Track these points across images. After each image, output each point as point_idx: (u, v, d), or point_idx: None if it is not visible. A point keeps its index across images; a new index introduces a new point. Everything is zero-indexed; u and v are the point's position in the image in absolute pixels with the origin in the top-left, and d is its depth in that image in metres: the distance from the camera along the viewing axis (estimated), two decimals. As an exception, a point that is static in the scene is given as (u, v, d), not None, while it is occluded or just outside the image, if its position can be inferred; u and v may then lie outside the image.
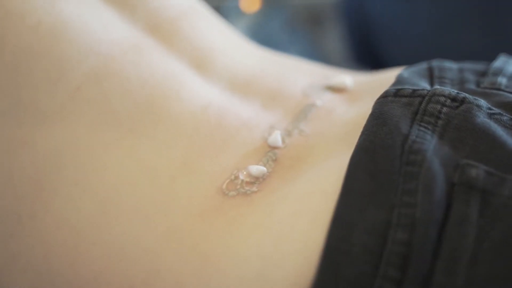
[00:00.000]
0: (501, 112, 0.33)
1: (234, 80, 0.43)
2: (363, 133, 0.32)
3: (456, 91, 0.33)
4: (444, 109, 0.32)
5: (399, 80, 0.38)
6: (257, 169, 0.34)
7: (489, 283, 0.25)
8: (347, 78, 0.45)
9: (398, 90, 0.35)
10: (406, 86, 0.35)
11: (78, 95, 0.34)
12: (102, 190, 0.32)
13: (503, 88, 0.37)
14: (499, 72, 0.39)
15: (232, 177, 0.34)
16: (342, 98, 0.43)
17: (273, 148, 0.37)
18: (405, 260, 0.26)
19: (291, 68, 0.46)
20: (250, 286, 0.29)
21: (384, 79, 0.44)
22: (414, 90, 0.34)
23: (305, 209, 0.30)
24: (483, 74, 0.40)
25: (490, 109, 0.33)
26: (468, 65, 0.42)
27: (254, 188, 0.34)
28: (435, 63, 0.42)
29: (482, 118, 0.32)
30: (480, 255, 0.26)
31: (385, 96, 0.35)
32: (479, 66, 0.41)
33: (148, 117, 0.35)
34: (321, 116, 0.41)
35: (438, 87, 0.34)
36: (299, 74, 0.46)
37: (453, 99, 0.33)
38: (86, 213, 0.32)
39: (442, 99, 0.33)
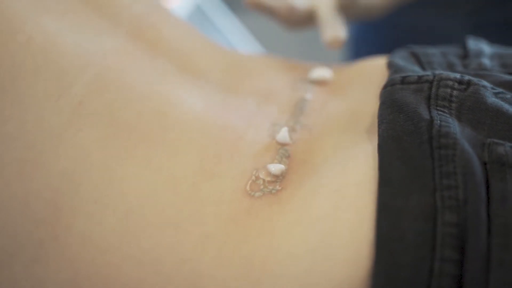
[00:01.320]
0: (503, 91, 0.34)
1: (223, 80, 0.42)
2: (381, 122, 0.33)
3: (459, 74, 0.35)
4: (455, 92, 0.34)
5: (397, 68, 0.39)
6: (277, 167, 0.34)
7: None
8: (326, 70, 0.45)
9: (404, 77, 0.36)
10: (410, 73, 0.36)
11: (82, 110, 0.32)
12: (123, 204, 0.31)
13: (489, 69, 0.39)
14: (479, 53, 0.41)
15: (253, 178, 0.34)
16: (328, 90, 0.44)
17: (283, 145, 0.37)
18: (459, 241, 0.27)
19: (270, 65, 0.46)
20: (302, 283, 0.28)
21: (365, 68, 0.45)
22: (419, 76, 0.35)
23: (345, 202, 0.30)
24: (464, 57, 0.42)
25: (493, 88, 0.34)
26: (447, 49, 0.43)
27: (278, 187, 0.33)
28: (416, 48, 0.43)
29: (491, 98, 0.33)
30: None
31: (392, 84, 0.36)
32: (456, 49, 0.43)
33: (155, 125, 0.34)
34: (316, 109, 0.41)
35: (442, 71, 0.35)
36: (280, 70, 0.46)
37: (460, 82, 0.34)
38: (110, 229, 0.30)
39: (450, 83, 0.34)
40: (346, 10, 0.54)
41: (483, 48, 0.42)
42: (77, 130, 0.32)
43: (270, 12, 0.53)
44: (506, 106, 0.33)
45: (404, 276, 0.27)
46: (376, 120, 0.36)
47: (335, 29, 0.48)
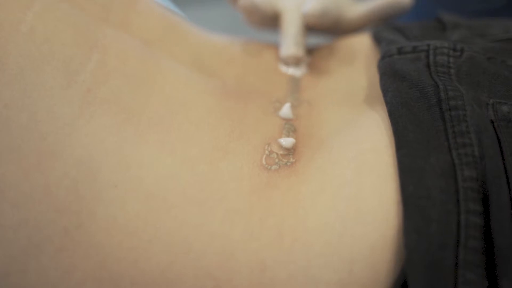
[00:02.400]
0: (493, 56, 0.37)
1: (210, 67, 0.42)
2: (386, 90, 0.34)
3: (452, 42, 0.37)
4: (451, 59, 0.35)
5: (388, 40, 0.40)
6: (288, 141, 0.35)
7: None
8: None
9: (400, 48, 0.37)
10: (404, 44, 0.38)
11: (91, 98, 0.32)
12: (143, 188, 0.30)
13: (470, 39, 0.41)
14: (457, 25, 0.43)
15: (267, 152, 0.34)
16: (316, 67, 0.45)
17: (287, 120, 0.37)
18: (481, 194, 0.29)
19: (248, 49, 0.47)
20: (335, 248, 0.29)
21: (349, 44, 0.46)
22: (415, 46, 0.37)
23: (365, 167, 0.31)
24: (443, 29, 0.44)
25: (483, 54, 0.36)
26: (425, 23, 0.45)
27: (292, 159, 0.34)
28: (397, 24, 0.45)
29: (485, 63, 0.35)
30: None
31: (390, 55, 0.37)
32: (433, 23, 0.45)
33: (163, 108, 0.34)
34: (309, 86, 0.42)
35: (435, 40, 0.37)
36: (259, 53, 0.46)
37: (454, 49, 0.36)
38: (134, 213, 0.30)
39: (445, 50, 0.36)
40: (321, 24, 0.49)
41: (459, 20, 0.45)
42: (88, 117, 0.31)
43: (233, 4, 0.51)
44: (498, 68, 0.35)
45: (434, 229, 0.28)
46: (373, 92, 0.38)
47: (294, 47, 0.44)
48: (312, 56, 0.46)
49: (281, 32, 0.46)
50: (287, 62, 0.44)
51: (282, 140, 0.35)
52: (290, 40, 0.45)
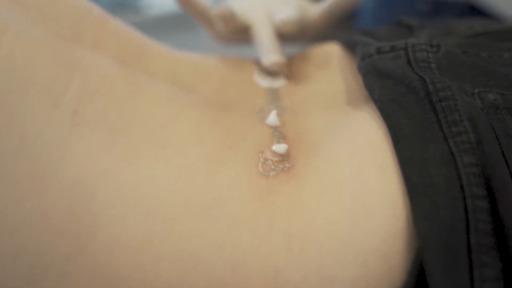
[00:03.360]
0: (466, 50, 0.38)
1: (189, 77, 0.42)
2: (372, 89, 0.35)
3: (428, 39, 0.38)
4: (430, 55, 0.36)
5: (364, 43, 0.41)
6: (281, 147, 0.34)
7: None
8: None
9: (379, 48, 0.38)
10: (381, 44, 0.38)
11: (78, 119, 0.30)
12: (142, 204, 0.29)
13: (439, 37, 0.42)
14: (422, 26, 0.45)
15: (262, 159, 0.34)
16: (292, 76, 0.45)
17: (275, 127, 0.37)
18: (483, 178, 0.29)
19: (226, 60, 0.47)
20: (347, 243, 0.29)
21: (322, 52, 0.47)
22: (392, 46, 0.38)
23: (365, 163, 0.31)
24: (410, 29, 0.45)
25: (458, 48, 0.38)
26: (390, 27, 0.47)
27: (287, 164, 0.34)
28: (365, 29, 0.46)
29: (462, 56, 0.37)
30: None
31: (369, 56, 0.38)
32: (398, 26, 0.47)
33: (150, 124, 0.33)
34: (288, 93, 0.42)
35: (411, 39, 0.38)
36: (234, 67, 0.46)
37: (430, 45, 0.37)
38: (136, 231, 0.29)
39: (423, 46, 0.37)
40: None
41: (422, 22, 0.46)
42: (79, 138, 0.30)
43: (203, 16, 0.50)
44: (476, 60, 0.36)
45: (444, 216, 0.28)
46: (353, 94, 0.38)
47: (276, 54, 0.45)
48: (287, 65, 0.46)
49: (257, 42, 0.46)
50: (271, 69, 0.44)
51: (274, 147, 0.34)
52: (270, 48, 0.45)
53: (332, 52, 0.45)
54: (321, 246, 0.29)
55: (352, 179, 0.31)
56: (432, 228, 0.28)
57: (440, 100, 0.32)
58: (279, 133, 0.36)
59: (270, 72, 0.45)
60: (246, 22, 0.48)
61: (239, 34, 0.49)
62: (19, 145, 0.28)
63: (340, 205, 0.30)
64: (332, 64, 0.44)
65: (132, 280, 0.28)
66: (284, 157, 0.34)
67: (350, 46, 0.43)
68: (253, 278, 0.28)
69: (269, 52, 0.45)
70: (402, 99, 0.33)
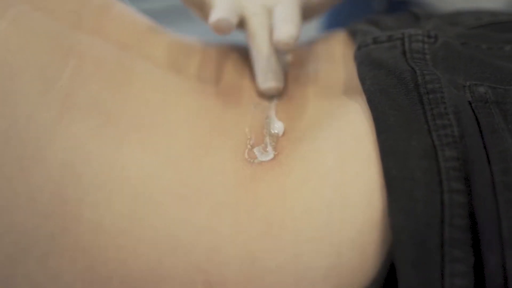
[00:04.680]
0: (466, 41, 0.37)
1: (189, 62, 0.42)
2: (364, 79, 0.35)
3: (426, 29, 0.37)
4: (426, 46, 0.36)
5: (363, 32, 0.40)
6: (279, 125, 0.35)
7: None
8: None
9: (375, 37, 0.37)
10: (378, 34, 0.38)
11: (70, 103, 0.31)
12: (127, 188, 0.30)
13: (443, 27, 0.42)
14: (429, 16, 0.44)
15: (249, 146, 0.34)
16: (293, 62, 0.45)
17: (268, 116, 0.37)
18: (463, 173, 0.29)
19: (227, 47, 0.47)
20: (324, 233, 0.29)
21: (326, 41, 0.47)
22: (390, 35, 0.37)
23: (348, 153, 0.31)
24: (416, 19, 0.45)
25: (457, 40, 0.37)
26: (398, 15, 0.46)
27: (274, 151, 0.34)
28: (371, 17, 0.46)
29: (460, 47, 0.36)
30: None
31: (365, 45, 0.37)
32: (406, 15, 0.46)
33: (142, 110, 0.34)
34: (288, 80, 0.42)
35: (409, 29, 0.38)
36: (239, 50, 0.46)
37: (428, 36, 0.36)
38: (119, 214, 0.30)
39: (420, 37, 0.36)
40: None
41: (431, 12, 0.45)
42: (69, 122, 0.31)
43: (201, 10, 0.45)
44: (473, 52, 0.35)
45: (419, 210, 0.28)
46: (352, 83, 0.38)
47: (273, 78, 0.40)
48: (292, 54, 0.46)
49: (252, 53, 0.43)
50: (267, 94, 0.40)
51: (272, 129, 0.35)
52: (266, 70, 0.41)
53: (336, 41, 0.45)
54: (298, 235, 0.29)
55: (334, 169, 0.31)
56: (407, 221, 0.28)
57: (427, 92, 0.32)
58: (270, 120, 0.37)
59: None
60: (243, 17, 0.43)
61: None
62: (9, 128, 0.29)
63: (320, 195, 0.30)
64: (335, 53, 0.44)
65: (113, 262, 0.29)
66: (274, 139, 0.35)
67: (353, 35, 0.43)
68: (229, 264, 0.29)
69: (265, 75, 0.40)
70: (392, 90, 0.33)
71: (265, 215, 0.30)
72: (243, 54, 0.46)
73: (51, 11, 0.36)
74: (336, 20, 0.78)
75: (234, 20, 0.39)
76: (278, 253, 0.29)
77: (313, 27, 0.89)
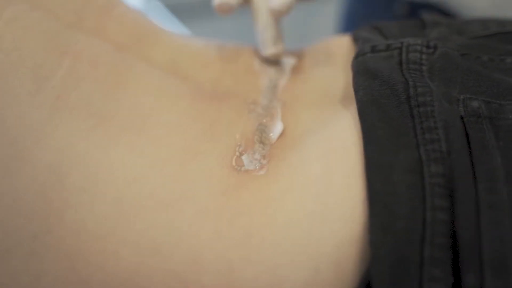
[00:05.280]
0: (467, 52, 0.36)
1: (188, 64, 0.42)
2: (357, 89, 0.34)
3: (425, 39, 0.36)
4: (424, 56, 0.35)
5: (364, 39, 0.40)
6: (278, 129, 0.35)
7: None
8: (275, 48, 0.45)
9: (374, 46, 0.37)
10: (378, 42, 0.37)
11: (61, 104, 0.32)
12: (112, 191, 0.30)
13: (448, 36, 0.41)
14: (437, 23, 0.43)
15: (237, 153, 0.34)
16: (296, 70, 0.45)
17: (261, 122, 0.37)
18: (447, 190, 0.28)
19: (228, 48, 0.46)
20: (303, 245, 0.29)
21: (330, 46, 0.46)
22: (388, 44, 0.36)
23: (334, 165, 0.31)
24: (423, 27, 0.44)
25: (458, 50, 0.36)
26: (404, 22, 0.45)
27: (263, 161, 0.34)
28: (377, 23, 0.45)
29: (459, 59, 0.35)
30: None
31: (363, 54, 0.37)
32: (414, 21, 0.45)
33: (134, 113, 0.34)
34: (287, 86, 0.42)
35: (408, 38, 0.37)
36: (239, 52, 0.46)
37: (427, 46, 0.36)
38: (102, 217, 0.30)
39: (418, 47, 0.35)
40: None
41: (439, 19, 0.44)
42: (58, 123, 0.31)
43: None
44: (472, 64, 0.35)
45: (400, 227, 0.27)
46: (348, 92, 0.38)
47: (272, 45, 0.44)
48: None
49: (255, 25, 0.46)
50: (270, 60, 0.44)
51: (272, 134, 0.35)
52: (266, 37, 0.44)
53: (339, 47, 0.44)
54: (277, 246, 0.29)
55: (319, 180, 0.30)
56: (386, 237, 0.27)
57: (418, 105, 0.31)
58: (263, 127, 0.36)
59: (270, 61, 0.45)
60: None
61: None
62: None
63: (302, 206, 0.30)
64: (337, 59, 0.43)
65: (93, 264, 0.29)
66: (266, 148, 0.35)
67: (356, 41, 0.42)
68: (207, 272, 0.29)
69: (266, 42, 0.44)
70: (384, 101, 0.32)
71: (246, 224, 0.30)
72: (247, 58, 0.45)
73: (50, 10, 0.37)
74: (354, 23, 0.77)
75: (235, 1, 0.43)
76: (256, 264, 0.29)
77: (330, 28, 0.88)
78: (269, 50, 0.43)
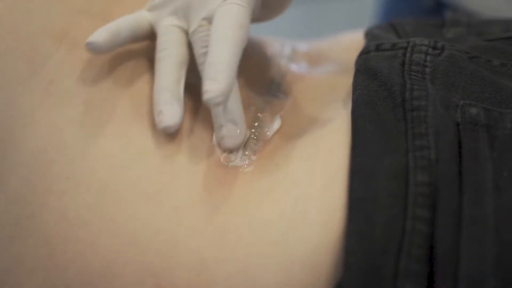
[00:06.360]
0: (478, 55, 0.34)
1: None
2: (355, 88, 0.33)
3: (433, 39, 0.35)
4: (428, 57, 0.33)
5: (373, 36, 0.38)
6: (276, 124, 0.35)
7: None
8: (298, 44, 0.45)
9: (379, 44, 0.35)
10: (384, 41, 0.36)
11: (53, 89, 0.32)
12: (96, 179, 0.30)
13: (465, 36, 0.39)
14: (456, 23, 0.41)
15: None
16: (307, 63, 0.44)
17: (258, 118, 0.36)
18: (431, 200, 0.27)
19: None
20: (277, 248, 0.28)
21: (343, 40, 0.45)
22: (394, 43, 0.35)
23: (318, 166, 0.30)
24: (441, 26, 0.42)
25: (467, 53, 0.34)
26: (423, 20, 0.43)
27: (253, 157, 0.33)
28: (395, 20, 0.43)
29: (465, 62, 0.33)
30: (502, 183, 0.27)
31: (367, 52, 0.35)
32: (435, 20, 0.43)
33: (127, 100, 0.34)
34: (294, 80, 0.41)
35: (416, 38, 0.35)
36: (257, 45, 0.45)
37: (434, 47, 0.34)
38: (84, 205, 0.30)
39: (424, 48, 0.34)
40: None
41: (460, 18, 0.42)
42: (49, 109, 0.31)
43: None
44: (480, 69, 0.33)
45: (377, 235, 0.26)
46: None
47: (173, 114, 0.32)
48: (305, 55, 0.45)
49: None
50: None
51: (267, 129, 0.35)
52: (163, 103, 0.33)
53: (352, 42, 0.43)
54: (251, 247, 0.29)
55: (301, 182, 0.30)
56: (361, 245, 0.27)
57: (412, 109, 0.30)
58: (259, 122, 0.36)
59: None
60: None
61: None
62: None
63: (281, 208, 0.29)
64: (348, 55, 0.42)
65: (72, 252, 0.29)
66: (258, 144, 0.34)
67: (366, 38, 0.41)
68: (179, 269, 0.29)
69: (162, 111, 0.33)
70: (380, 103, 0.31)
71: (223, 221, 0.30)
72: (257, 50, 0.44)
73: None
74: (386, 17, 0.75)
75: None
76: (228, 264, 0.28)
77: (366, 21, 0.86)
78: (165, 122, 0.31)
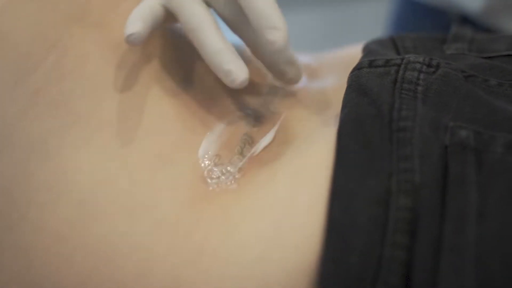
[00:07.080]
0: (475, 74, 0.33)
1: (186, 65, 0.41)
2: (345, 105, 0.32)
3: (429, 57, 0.33)
4: (422, 76, 0.32)
5: (369, 52, 0.37)
6: (267, 138, 0.34)
7: (500, 236, 0.25)
8: (300, 56, 0.44)
9: (372, 61, 0.34)
10: (379, 57, 0.35)
11: (39, 99, 0.31)
12: (76, 193, 0.30)
13: (466, 53, 0.37)
14: (458, 38, 0.40)
15: (212, 163, 0.33)
16: (306, 76, 0.43)
17: (246, 132, 0.35)
18: (412, 226, 0.26)
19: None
20: (252, 271, 0.27)
21: (344, 54, 0.44)
22: (387, 60, 0.34)
23: (299, 187, 0.29)
24: (443, 41, 0.40)
25: (463, 72, 0.33)
26: (426, 35, 0.42)
27: (237, 175, 0.32)
28: (397, 34, 0.42)
29: (460, 81, 0.32)
30: (487, 210, 0.26)
31: (359, 68, 0.34)
32: (438, 35, 0.42)
33: (114, 113, 0.33)
34: (288, 94, 0.40)
35: (411, 55, 0.34)
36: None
37: (428, 65, 0.33)
38: (63, 219, 0.30)
39: (417, 66, 0.33)
40: None
41: (463, 33, 0.41)
42: (33, 119, 0.31)
43: None
44: (472, 89, 0.31)
45: (353, 261, 0.25)
46: None
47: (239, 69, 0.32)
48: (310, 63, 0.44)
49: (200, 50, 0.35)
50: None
51: (256, 145, 0.34)
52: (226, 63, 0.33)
53: (352, 57, 0.42)
54: (226, 269, 0.28)
55: (281, 202, 0.29)
56: (336, 271, 0.26)
57: (398, 130, 0.29)
58: (247, 138, 0.35)
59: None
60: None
61: None
62: None
63: (259, 230, 0.28)
64: (347, 70, 0.41)
65: (48, 266, 0.29)
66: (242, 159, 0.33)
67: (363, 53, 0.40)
68: None
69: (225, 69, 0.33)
70: (368, 122, 0.30)
71: (201, 240, 0.29)
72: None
73: (48, 2, 0.36)
74: (402, 28, 0.73)
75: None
76: (203, 284, 0.28)
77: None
78: (240, 76, 0.32)
